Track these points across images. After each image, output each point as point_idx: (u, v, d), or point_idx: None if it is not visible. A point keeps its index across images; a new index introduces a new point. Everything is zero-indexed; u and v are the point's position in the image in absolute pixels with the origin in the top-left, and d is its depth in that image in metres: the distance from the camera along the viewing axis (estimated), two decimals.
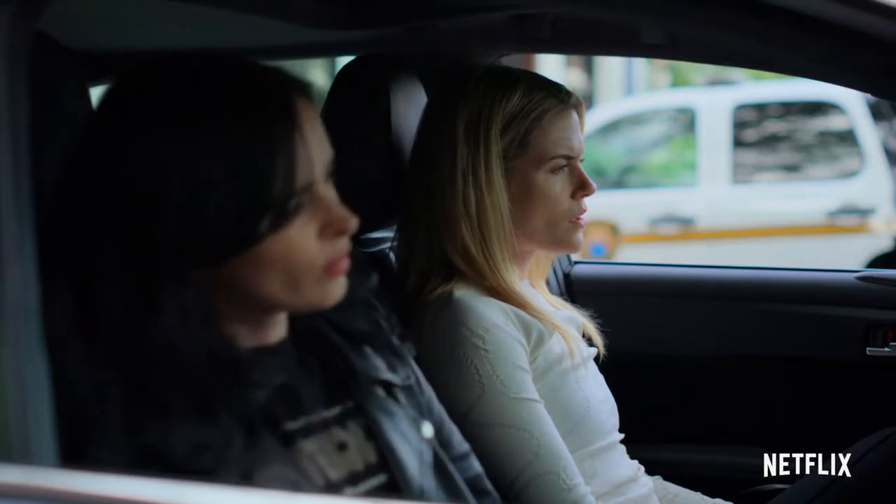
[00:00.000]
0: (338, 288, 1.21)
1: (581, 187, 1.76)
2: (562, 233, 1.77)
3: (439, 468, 1.36)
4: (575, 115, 1.78)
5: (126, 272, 1.12)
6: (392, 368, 1.37)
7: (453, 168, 1.71)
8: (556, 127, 1.75)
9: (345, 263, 1.21)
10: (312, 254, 1.18)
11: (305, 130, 1.17)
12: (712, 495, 1.95)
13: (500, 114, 1.72)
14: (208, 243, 1.13)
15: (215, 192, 1.12)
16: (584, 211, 1.78)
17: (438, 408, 1.47)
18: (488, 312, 1.66)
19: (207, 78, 1.17)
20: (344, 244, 1.21)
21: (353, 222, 1.20)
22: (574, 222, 1.77)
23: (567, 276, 2.46)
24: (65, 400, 1.06)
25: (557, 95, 1.76)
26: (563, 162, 1.76)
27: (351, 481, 1.24)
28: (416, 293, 1.72)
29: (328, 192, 1.20)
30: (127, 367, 1.10)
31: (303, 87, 1.20)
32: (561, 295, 2.31)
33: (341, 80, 1.90)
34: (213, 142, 1.12)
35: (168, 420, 1.09)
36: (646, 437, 2.04)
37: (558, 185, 1.75)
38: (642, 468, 1.85)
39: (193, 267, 1.14)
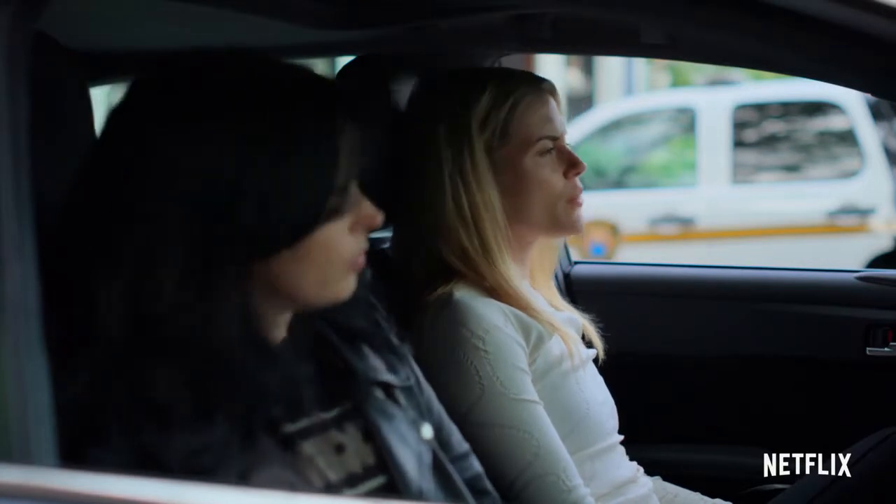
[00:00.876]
0: (353, 283, 1.25)
1: (572, 166, 1.77)
2: (560, 214, 1.77)
3: (439, 469, 1.36)
4: (551, 99, 1.79)
5: (176, 266, 1.13)
6: (391, 369, 1.37)
7: (440, 173, 1.72)
8: (534, 111, 1.76)
9: (363, 260, 1.25)
10: (346, 248, 1.22)
11: (349, 129, 1.22)
12: (712, 495, 1.95)
13: (475, 110, 1.73)
14: (268, 233, 1.15)
15: (279, 185, 1.15)
16: (580, 190, 1.78)
17: (438, 408, 1.46)
18: (488, 313, 1.66)
19: (270, 77, 1.20)
20: (365, 240, 1.25)
21: (381, 218, 1.25)
22: (571, 202, 1.77)
23: (567, 276, 2.46)
24: (76, 395, 1.07)
25: (530, 83, 1.77)
26: (549, 144, 1.76)
27: (349, 483, 1.24)
28: (416, 294, 1.72)
29: (358, 190, 1.25)
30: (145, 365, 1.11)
31: (337, 90, 1.24)
32: (560, 295, 2.31)
33: (341, 80, 1.90)
34: (280, 137, 1.16)
35: (171, 421, 1.09)
36: (646, 437, 2.04)
37: (548, 167, 1.76)
38: (641, 469, 1.85)
39: (247, 259, 1.15)
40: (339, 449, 1.25)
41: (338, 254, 1.21)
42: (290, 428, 1.21)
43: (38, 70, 1.16)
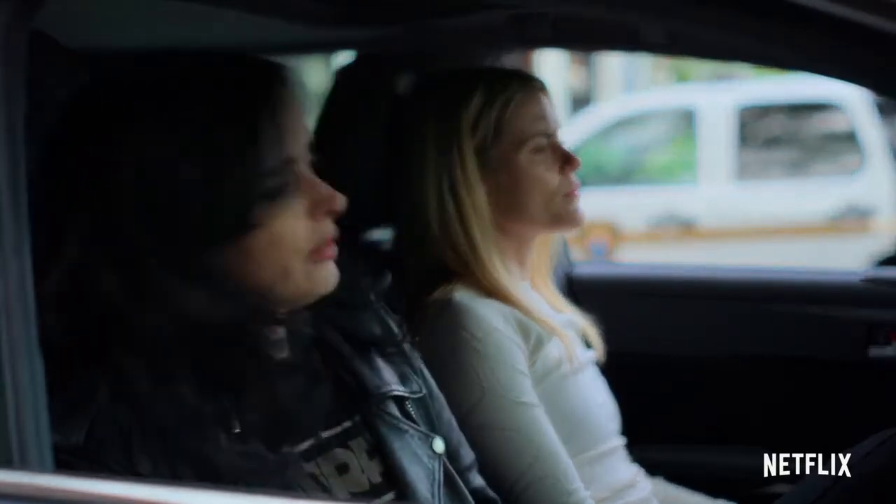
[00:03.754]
0: (329, 274, 1.18)
1: (567, 162, 1.77)
2: (559, 208, 1.77)
3: (450, 483, 1.33)
4: (543, 96, 1.79)
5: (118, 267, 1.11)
6: (404, 379, 1.34)
7: (429, 174, 1.72)
8: (526, 109, 1.76)
9: (332, 250, 1.18)
10: (302, 233, 1.15)
11: (279, 110, 1.15)
12: (714, 496, 1.94)
13: (465, 111, 1.73)
14: (209, 224, 1.11)
15: (208, 173, 1.11)
16: (577, 185, 1.78)
17: (448, 416, 1.44)
18: (488, 315, 1.66)
19: (182, 66, 1.17)
20: (329, 228, 1.18)
21: (342, 200, 1.18)
22: (568, 195, 1.77)
23: (568, 276, 2.46)
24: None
25: (520, 81, 1.77)
26: (544, 141, 1.76)
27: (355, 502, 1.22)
28: (416, 295, 1.71)
29: (310, 173, 1.18)
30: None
31: (277, 70, 1.19)
32: (562, 296, 2.30)
33: (341, 79, 1.89)
34: (198, 125, 1.12)
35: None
36: (647, 437, 2.03)
37: (543, 165, 1.76)
38: (641, 472, 1.85)
39: (193, 254, 1.11)
40: (342, 469, 1.23)
41: (293, 242, 1.14)
42: (290, 449, 1.18)
43: (36, 69, 1.16)
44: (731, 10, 1.22)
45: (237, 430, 1.12)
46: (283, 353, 1.22)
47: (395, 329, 1.36)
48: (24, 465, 1.02)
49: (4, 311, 1.03)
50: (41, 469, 1.03)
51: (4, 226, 1.05)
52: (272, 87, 1.16)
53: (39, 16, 1.14)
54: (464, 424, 1.55)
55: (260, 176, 1.12)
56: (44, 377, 1.04)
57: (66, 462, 1.05)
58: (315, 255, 1.16)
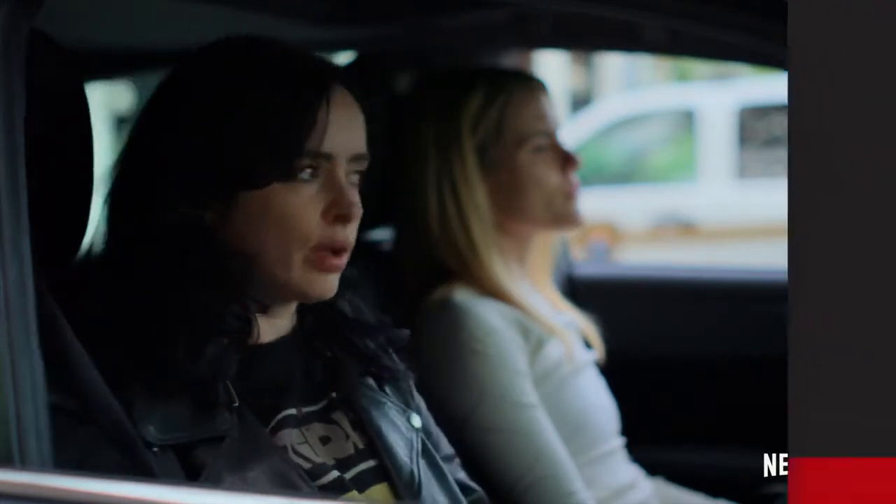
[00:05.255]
0: (326, 284, 1.22)
1: (567, 162, 1.78)
2: (559, 209, 1.77)
3: (427, 455, 1.35)
4: (543, 96, 1.79)
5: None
6: (379, 359, 1.37)
7: (429, 174, 1.73)
8: (527, 109, 1.76)
9: (338, 263, 1.22)
10: (310, 226, 1.20)
11: (332, 109, 1.22)
12: (714, 496, 1.94)
13: (465, 111, 1.73)
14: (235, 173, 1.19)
15: (244, 134, 1.19)
16: (577, 185, 1.79)
17: (426, 412, 1.46)
18: (488, 316, 1.66)
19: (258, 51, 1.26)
20: (341, 235, 1.21)
21: (358, 211, 1.22)
22: (568, 195, 1.77)
23: (569, 277, 2.46)
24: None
25: (520, 81, 1.78)
26: (544, 140, 1.76)
27: (338, 468, 1.23)
28: (416, 295, 1.71)
29: (345, 180, 1.23)
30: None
31: (338, 73, 1.27)
32: (563, 296, 2.30)
33: (341, 79, 1.89)
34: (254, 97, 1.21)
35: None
36: (648, 438, 2.03)
37: (543, 164, 1.76)
38: (641, 473, 1.85)
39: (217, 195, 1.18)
40: (325, 440, 1.25)
41: (300, 226, 1.19)
42: (271, 421, 1.22)
43: (35, 69, 1.16)
44: (731, 9, 1.22)
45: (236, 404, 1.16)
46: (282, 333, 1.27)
47: (369, 317, 1.39)
48: (24, 465, 1.02)
49: (4, 311, 1.03)
50: (41, 469, 1.03)
51: (4, 226, 1.05)
52: (329, 82, 1.23)
53: (39, 16, 1.14)
54: (464, 427, 1.55)
55: (292, 147, 1.19)
56: (43, 377, 1.04)
57: (64, 424, 1.07)
58: (318, 256, 1.20)
